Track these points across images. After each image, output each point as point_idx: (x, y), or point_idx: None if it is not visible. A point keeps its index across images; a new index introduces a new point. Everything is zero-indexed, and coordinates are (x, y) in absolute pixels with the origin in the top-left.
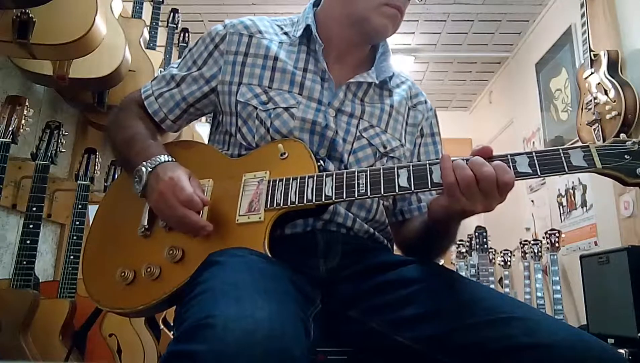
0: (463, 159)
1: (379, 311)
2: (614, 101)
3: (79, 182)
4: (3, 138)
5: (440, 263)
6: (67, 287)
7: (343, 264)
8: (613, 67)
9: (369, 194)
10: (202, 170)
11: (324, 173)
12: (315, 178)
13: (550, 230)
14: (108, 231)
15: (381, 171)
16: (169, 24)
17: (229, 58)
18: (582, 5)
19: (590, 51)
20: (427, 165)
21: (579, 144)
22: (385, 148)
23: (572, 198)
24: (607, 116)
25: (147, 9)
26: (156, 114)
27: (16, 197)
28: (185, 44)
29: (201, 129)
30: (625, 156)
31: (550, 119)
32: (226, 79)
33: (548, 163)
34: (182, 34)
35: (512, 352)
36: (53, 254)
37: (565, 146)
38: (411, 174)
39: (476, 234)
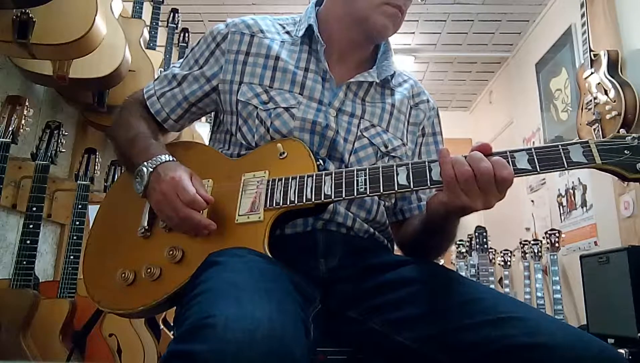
0: (463, 156)
1: (378, 311)
2: (614, 101)
3: (79, 182)
4: (3, 138)
5: (440, 263)
6: (67, 287)
7: (343, 264)
8: (613, 67)
9: (368, 192)
10: (202, 170)
11: (323, 172)
12: (314, 177)
13: (550, 230)
14: (108, 232)
15: (380, 169)
16: (169, 24)
17: (230, 57)
18: (582, 5)
19: (590, 51)
20: (426, 163)
21: (579, 139)
22: (386, 147)
23: (572, 198)
24: (607, 116)
25: (147, 9)
26: (158, 114)
27: (16, 197)
28: (185, 44)
29: (201, 129)
30: (625, 152)
31: (550, 119)
32: (227, 78)
33: (547, 159)
34: (182, 34)
35: (511, 352)
36: (53, 254)
37: (564, 142)
38: (410, 172)
39: (476, 234)
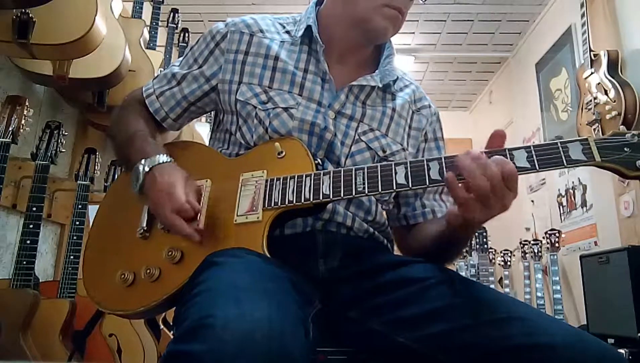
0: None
1: (378, 312)
2: (614, 101)
3: (79, 182)
4: (3, 138)
5: None
6: (67, 287)
7: (343, 264)
8: (613, 67)
9: (366, 191)
10: (200, 170)
11: (322, 171)
12: (312, 176)
13: (550, 230)
14: (108, 233)
15: (379, 168)
16: (169, 24)
17: (229, 57)
18: (582, 5)
19: (590, 51)
20: (425, 162)
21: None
22: (384, 151)
23: (572, 198)
24: (607, 116)
25: (147, 9)
26: (157, 113)
27: (16, 197)
28: (185, 44)
29: (201, 129)
30: (625, 149)
31: (550, 119)
32: (226, 77)
33: (546, 156)
34: (182, 34)
35: (511, 352)
36: (53, 254)
37: (563, 140)
38: (409, 171)
39: (476, 234)
